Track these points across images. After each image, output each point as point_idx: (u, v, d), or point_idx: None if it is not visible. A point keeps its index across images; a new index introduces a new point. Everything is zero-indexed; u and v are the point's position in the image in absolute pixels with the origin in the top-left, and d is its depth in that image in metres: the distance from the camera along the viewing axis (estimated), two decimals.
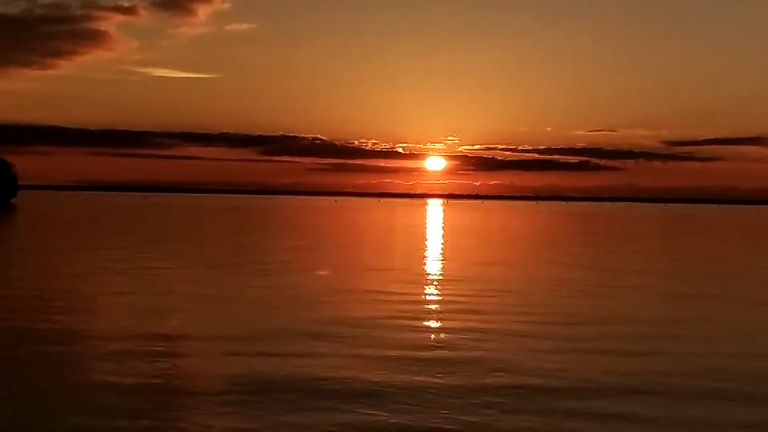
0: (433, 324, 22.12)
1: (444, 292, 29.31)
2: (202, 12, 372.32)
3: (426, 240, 65.66)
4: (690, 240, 71.38)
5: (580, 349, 18.00)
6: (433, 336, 20.39)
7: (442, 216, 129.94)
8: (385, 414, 12.62)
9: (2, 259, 42.64)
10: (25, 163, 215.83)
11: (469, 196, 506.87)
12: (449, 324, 21.70)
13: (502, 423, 12.07)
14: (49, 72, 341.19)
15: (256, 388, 13.85)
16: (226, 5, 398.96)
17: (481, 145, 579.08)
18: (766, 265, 47.45)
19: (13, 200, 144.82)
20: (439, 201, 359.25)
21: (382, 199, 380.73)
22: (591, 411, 12.86)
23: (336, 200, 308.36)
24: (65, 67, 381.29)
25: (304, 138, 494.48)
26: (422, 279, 34.00)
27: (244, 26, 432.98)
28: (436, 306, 26.33)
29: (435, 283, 33.01)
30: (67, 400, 13.09)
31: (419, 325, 21.42)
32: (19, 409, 12.29)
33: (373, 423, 12.17)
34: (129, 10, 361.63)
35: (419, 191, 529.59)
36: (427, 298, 28.17)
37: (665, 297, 29.27)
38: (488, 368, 15.50)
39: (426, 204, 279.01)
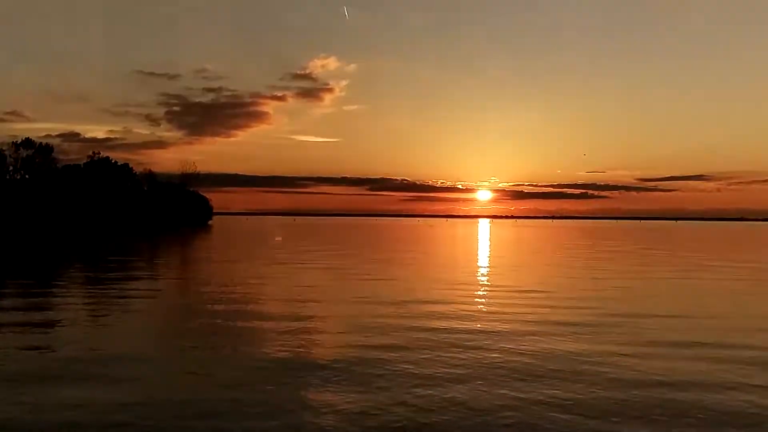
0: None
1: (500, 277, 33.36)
2: (328, 98, 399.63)
3: (483, 245, 67.62)
4: (654, 243, 71.76)
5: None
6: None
7: (489, 230, 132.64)
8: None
9: (215, 253, 46.05)
10: (216, 198, 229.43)
11: (506, 217, 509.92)
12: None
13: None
14: (231, 139, 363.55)
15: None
16: (343, 93, 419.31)
17: (513, 182, 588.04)
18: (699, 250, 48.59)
19: (209, 222, 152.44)
20: (487, 220, 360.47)
21: (449, 219, 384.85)
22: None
23: (418, 221, 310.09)
24: (241, 136, 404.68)
25: (396, 179, 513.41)
26: (486, 269, 36.23)
27: (356, 107, 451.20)
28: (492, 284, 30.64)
29: (495, 270, 36.11)
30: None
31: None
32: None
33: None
34: (281, 98, 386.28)
35: (473, 214, 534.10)
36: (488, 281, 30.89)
37: (630, 272, 32.52)
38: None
39: (478, 222, 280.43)
